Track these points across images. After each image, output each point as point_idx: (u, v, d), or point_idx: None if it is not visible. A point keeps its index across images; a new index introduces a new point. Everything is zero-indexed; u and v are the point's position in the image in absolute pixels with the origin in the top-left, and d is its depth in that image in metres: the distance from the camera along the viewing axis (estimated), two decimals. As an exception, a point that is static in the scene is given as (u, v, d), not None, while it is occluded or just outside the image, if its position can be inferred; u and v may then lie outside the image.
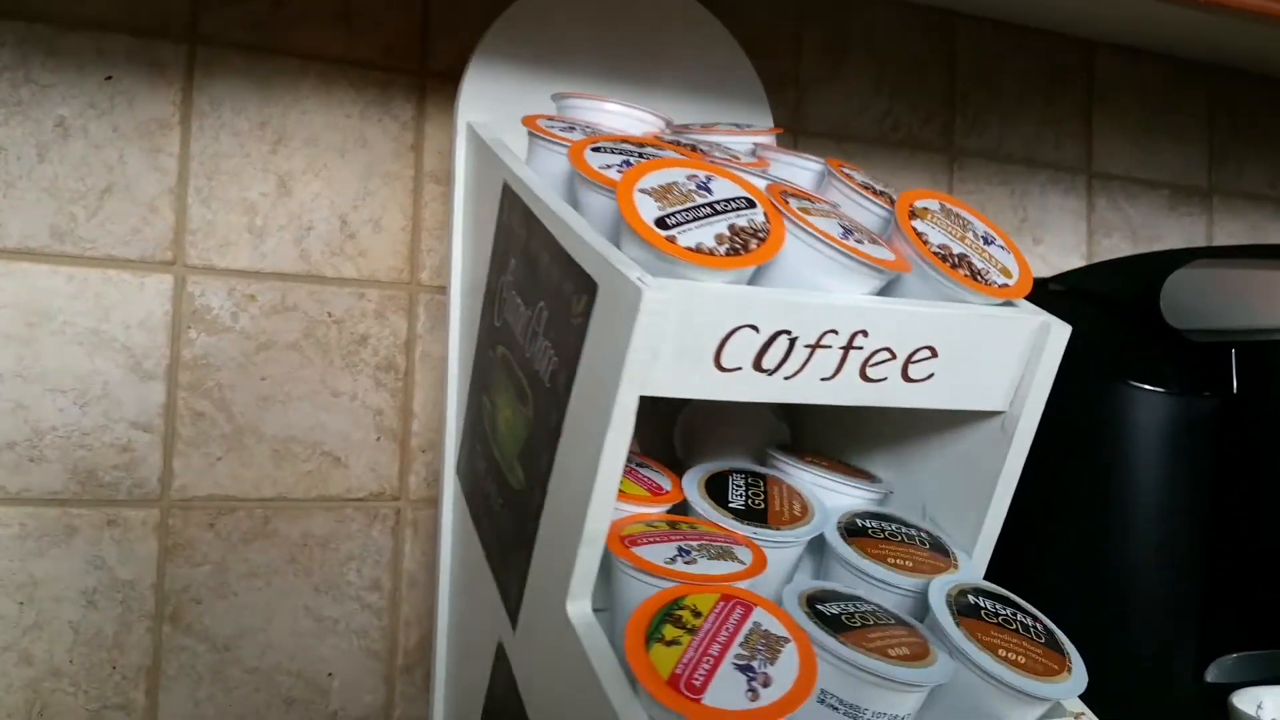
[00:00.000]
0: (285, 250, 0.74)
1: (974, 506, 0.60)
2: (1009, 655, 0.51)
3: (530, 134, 0.61)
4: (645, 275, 0.48)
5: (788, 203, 0.53)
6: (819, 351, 0.52)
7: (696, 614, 0.49)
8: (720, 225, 0.50)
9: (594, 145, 0.57)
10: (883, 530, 0.60)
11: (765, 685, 0.46)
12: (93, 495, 0.70)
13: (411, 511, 0.77)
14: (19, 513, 0.68)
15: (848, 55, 0.91)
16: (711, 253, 0.49)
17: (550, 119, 0.64)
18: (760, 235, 0.50)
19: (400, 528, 0.77)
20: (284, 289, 0.74)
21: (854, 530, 0.59)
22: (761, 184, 0.56)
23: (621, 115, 0.66)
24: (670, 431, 0.73)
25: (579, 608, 0.52)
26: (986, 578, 0.60)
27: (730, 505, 0.58)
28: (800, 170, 0.65)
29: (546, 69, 0.73)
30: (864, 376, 0.53)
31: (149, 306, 0.71)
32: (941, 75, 0.95)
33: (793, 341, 0.51)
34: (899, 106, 0.94)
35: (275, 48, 0.73)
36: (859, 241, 0.53)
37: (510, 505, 0.63)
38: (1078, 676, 0.52)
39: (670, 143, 0.62)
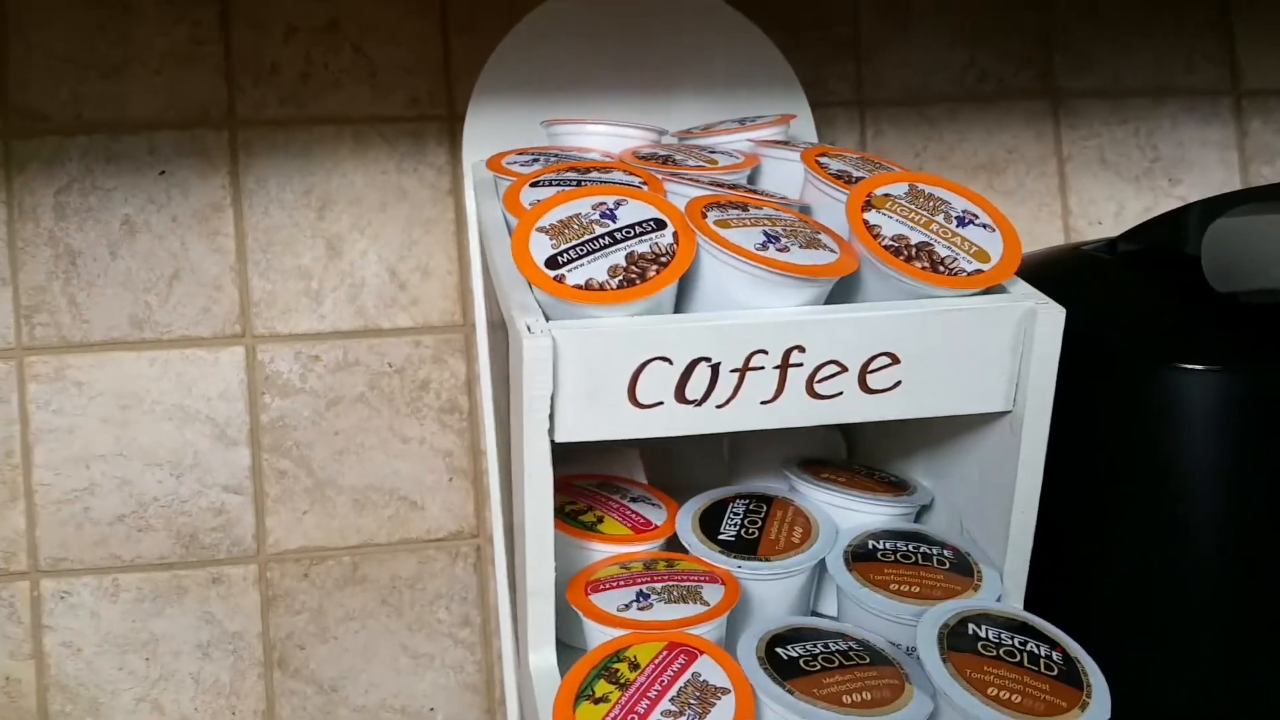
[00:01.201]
0: (341, 309, 0.77)
1: (999, 517, 0.54)
2: (1000, 694, 0.46)
3: (493, 174, 0.61)
4: (535, 320, 0.47)
5: (704, 217, 0.50)
6: (750, 374, 0.48)
7: (634, 666, 0.47)
8: (617, 255, 0.48)
9: (534, 180, 0.55)
10: (895, 552, 0.55)
11: (687, 738, 0.43)
12: (196, 556, 0.76)
13: (490, 547, 0.79)
14: (135, 578, 0.76)
15: (912, 9, 0.84)
16: (602, 287, 0.47)
17: (534, 152, 0.63)
18: (663, 260, 0.48)
19: (482, 564, 0.79)
20: (345, 346, 0.77)
21: (861, 554, 0.55)
22: (699, 193, 0.53)
23: (605, 135, 0.64)
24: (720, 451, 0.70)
25: (540, 657, 0.51)
26: (1030, 597, 0.54)
27: (719, 537, 0.56)
28: (794, 164, 0.61)
29: (553, 92, 0.72)
30: (813, 394, 0.49)
31: (225, 378, 0.76)
32: (1031, 13, 0.86)
33: (715, 368, 0.48)
34: (983, 56, 0.85)
35: (309, 118, 0.77)
36: (783, 250, 0.49)
37: (508, 551, 0.63)
38: (1091, 715, 0.46)
39: (646, 157, 0.60)
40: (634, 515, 0.58)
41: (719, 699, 0.45)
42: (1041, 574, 0.54)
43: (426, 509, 0.79)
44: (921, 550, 0.55)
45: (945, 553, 0.55)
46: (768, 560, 0.54)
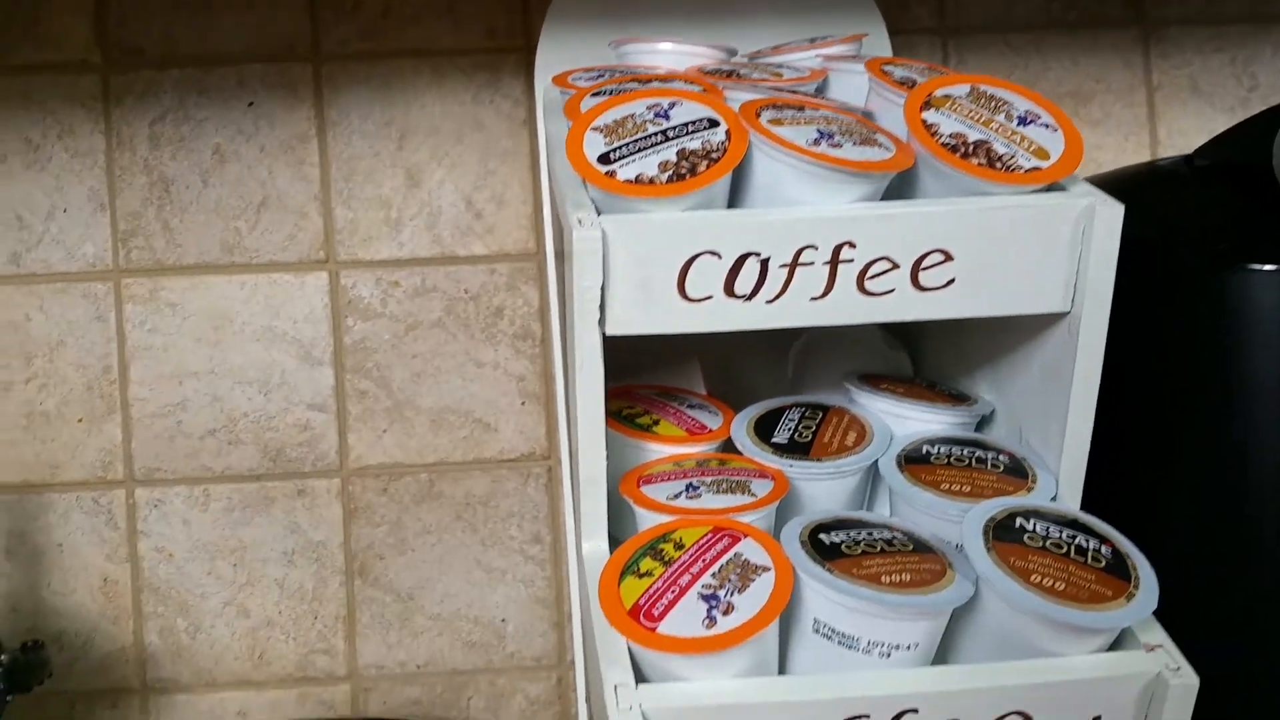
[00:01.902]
0: (420, 237, 0.80)
1: (1057, 423, 0.53)
2: (1043, 581, 0.46)
3: (559, 90, 0.62)
4: (586, 214, 0.48)
5: (758, 116, 0.50)
6: (799, 270, 0.49)
7: (679, 546, 0.48)
8: (669, 151, 0.49)
9: (595, 91, 0.57)
10: (949, 455, 0.55)
11: (726, 613, 0.45)
12: (283, 470, 0.80)
13: (560, 469, 0.81)
14: (226, 489, 0.80)
15: (993, -63, 0.83)
16: (653, 181, 0.48)
17: (601, 69, 0.65)
18: (714, 156, 0.49)
19: (553, 484, 0.81)
20: (423, 273, 0.80)
21: (915, 457, 0.55)
22: (755, 97, 0.53)
23: (672, 54, 0.65)
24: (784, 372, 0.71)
25: (592, 545, 0.53)
26: (1085, 507, 0.54)
27: (773, 440, 0.56)
28: (861, 77, 0.61)
29: (625, 17, 0.73)
30: (863, 290, 0.50)
31: (311, 302, 0.80)
32: (1117, -61, 0.84)
33: (764, 263, 0.49)
34: (1067, -16, 0.84)
35: (390, 51, 0.79)
36: (835, 146, 0.49)
37: (572, 469, 0.64)
38: (1137, 605, 0.46)
39: (711, 73, 0.61)
40: (690, 419, 0.59)
41: (759, 575, 0.46)
42: (1099, 484, 0.54)
43: (500, 431, 0.81)
44: (976, 454, 0.55)
45: (1001, 457, 0.55)
46: (819, 461, 0.55)
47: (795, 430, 0.57)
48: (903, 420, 0.58)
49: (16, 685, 0.68)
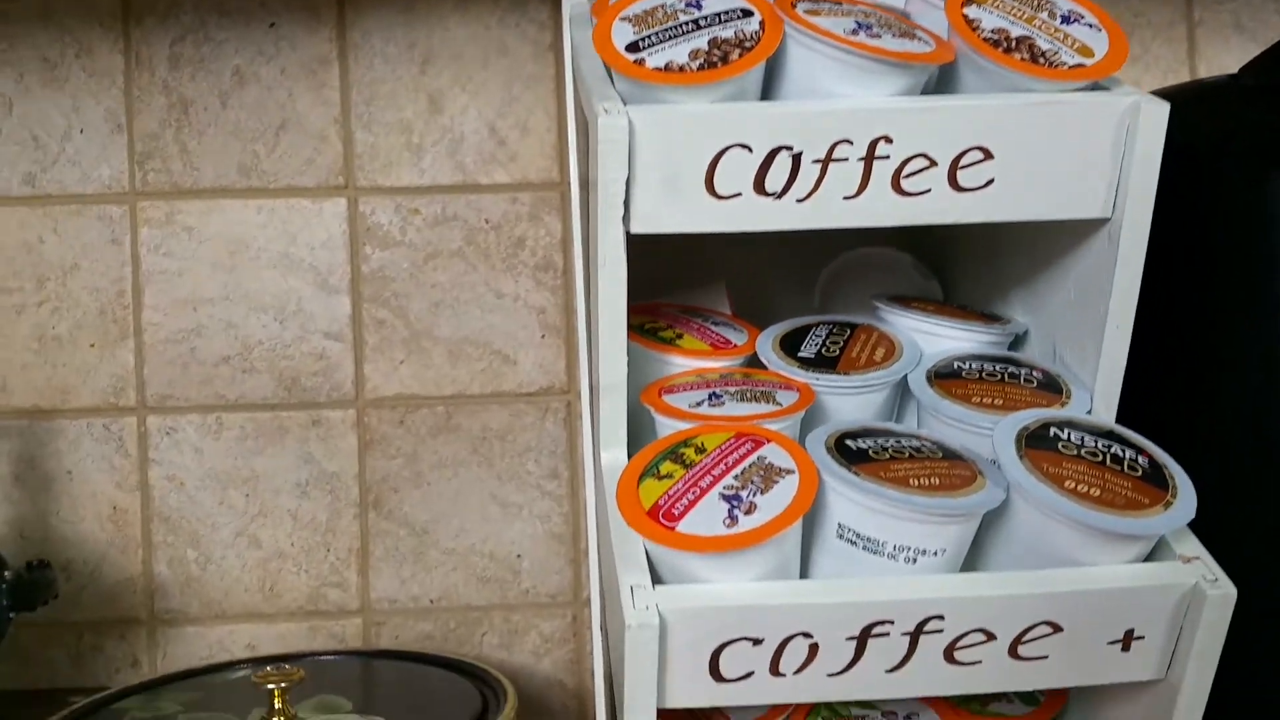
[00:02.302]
0: (441, 163, 0.78)
1: (1093, 337, 0.51)
2: (1078, 487, 0.44)
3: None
4: (612, 103, 0.46)
5: (794, 6, 0.48)
6: (833, 166, 0.47)
7: (700, 450, 0.47)
8: (700, 39, 0.47)
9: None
10: (981, 370, 0.53)
11: (748, 513, 0.43)
12: (298, 399, 0.79)
13: (579, 404, 0.79)
14: (239, 417, 0.79)
15: None
16: (683, 69, 0.46)
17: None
18: (747, 45, 0.47)
19: (571, 419, 0.80)
20: (443, 201, 0.79)
21: (945, 373, 0.53)
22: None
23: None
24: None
25: (611, 456, 0.51)
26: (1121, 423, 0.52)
27: (799, 355, 0.55)
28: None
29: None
30: (899, 189, 0.48)
31: (329, 228, 0.78)
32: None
33: (796, 158, 0.47)
34: (1107, -82, 0.81)
35: (413, -27, 0.78)
36: (874, 36, 0.47)
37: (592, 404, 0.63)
38: (1174, 513, 0.44)
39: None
40: (714, 334, 0.57)
41: (782, 478, 0.44)
42: (1135, 400, 0.52)
43: (519, 364, 0.80)
44: (1009, 370, 0.53)
45: (1034, 373, 0.53)
46: (846, 375, 0.53)
47: (822, 345, 0.55)
48: (933, 338, 0.56)
49: (21, 603, 0.67)
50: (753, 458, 0.46)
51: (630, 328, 0.51)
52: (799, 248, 0.68)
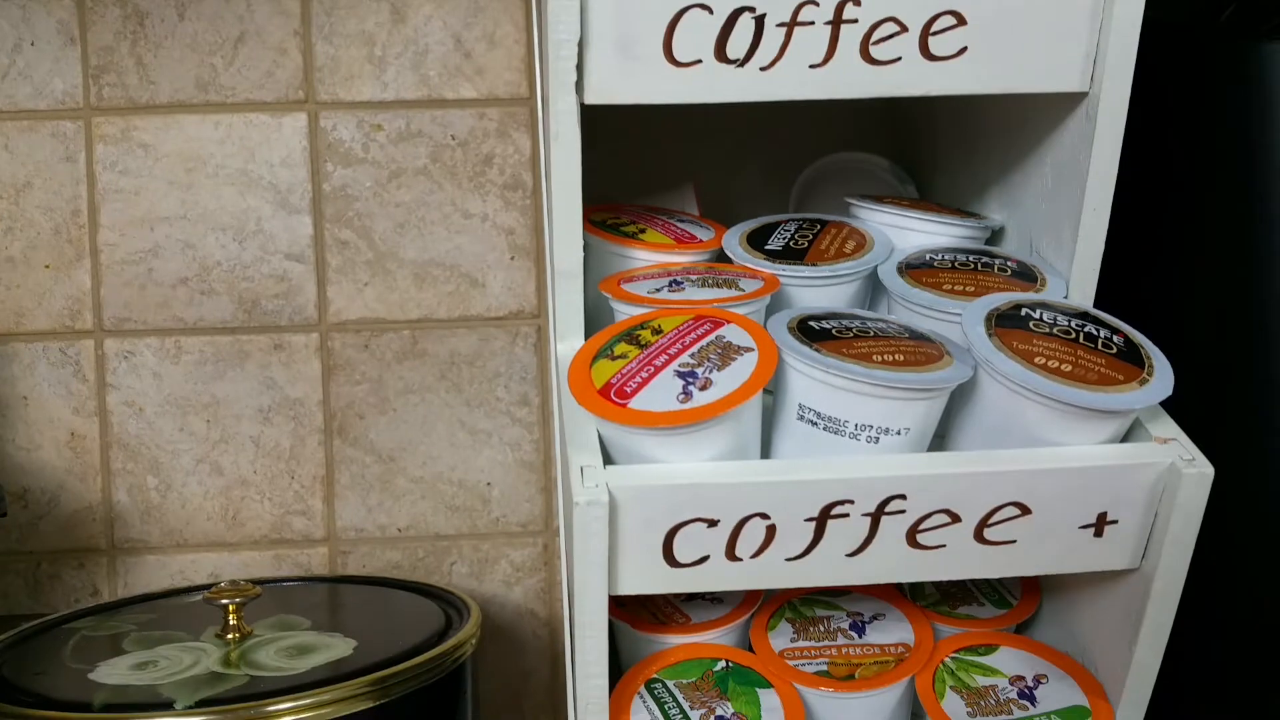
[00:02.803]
0: (405, 77, 0.76)
1: (1069, 221, 0.49)
2: (1048, 363, 0.42)
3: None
4: (561, -38, 0.44)
5: None
6: (799, 30, 0.45)
7: (657, 332, 0.45)
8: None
9: None
10: (954, 261, 0.51)
11: (703, 389, 0.41)
12: (258, 322, 0.77)
13: (550, 328, 0.77)
14: (197, 341, 0.77)
15: None
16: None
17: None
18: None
19: (542, 344, 0.78)
20: (408, 116, 0.76)
21: (917, 264, 0.51)
22: None
23: None
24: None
25: (567, 347, 0.49)
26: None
27: (766, 247, 0.53)
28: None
29: None
30: (868, 57, 0.46)
31: (289, 144, 0.76)
32: None
33: (760, 20, 0.45)
34: None
35: (375, -121, 0.75)
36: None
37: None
38: (1150, 390, 0.42)
39: None
40: (679, 230, 0.55)
41: (741, 355, 0.42)
42: (1113, 292, 0.50)
43: (487, 287, 0.78)
44: (982, 260, 0.51)
45: (1009, 263, 0.51)
46: (814, 265, 0.51)
47: (791, 239, 0.53)
48: (907, 233, 0.54)
49: (-31, 520, 0.65)
50: (711, 337, 0.44)
51: (590, 223, 0.48)
52: (772, 154, 0.66)
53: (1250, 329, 0.48)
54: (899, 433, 0.42)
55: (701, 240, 0.54)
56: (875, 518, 0.41)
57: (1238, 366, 0.49)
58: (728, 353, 0.42)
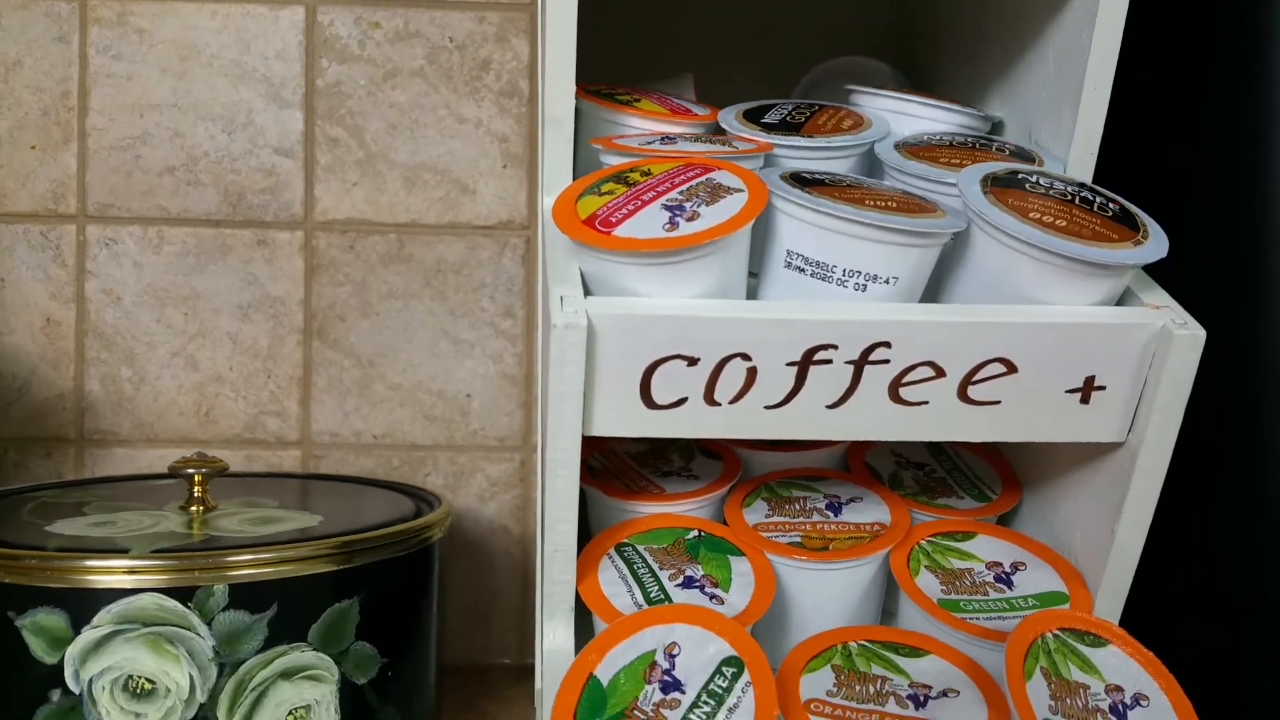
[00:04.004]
0: (405, -24, 0.75)
1: (1069, 102, 0.49)
2: (1043, 218, 0.41)
3: None
4: None
5: None
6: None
7: (646, 174, 0.44)
8: None
9: None
10: (951, 142, 0.50)
11: (690, 220, 0.40)
12: (243, 216, 0.76)
13: (540, 241, 0.76)
14: (180, 232, 0.75)
15: None
16: None
17: None
18: None
19: (530, 257, 0.77)
20: (406, 15, 0.75)
21: (914, 143, 0.50)
22: None
23: None
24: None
25: (552, 199, 0.48)
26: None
27: (763, 121, 0.52)
28: None
29: None
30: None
31: (284, 37, 0.75)
32: None
33: None
34: None
35: None
36: None
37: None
38: (1145, 249, 0.41)
39: None
40: (675, 104, 0.54)
41: (730, 194, 0.41)
42: (1111, 168, 0.49)
43: (478, 194, 0.76)
44: (981, 141, 0.50)
45: (1007, 146, 0.50)
46: (810, 137, 0.50)
47: (788, 115, 0.52)
48: (906, 119, 0.54)
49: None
50: (701, 179, 0.43)
51: (585, 91, 0.48)
52: (772, 60, 0.65)
53: (1251, 224, 0.47)
54: (888, 281, 0.41)
55: (698, 115, 0.53)
56: (858, 366, 0.40)
57: (1236, 264, 0.49)
58: (717, 192, 0.41)
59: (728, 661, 0.37)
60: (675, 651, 0.38)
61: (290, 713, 0.48)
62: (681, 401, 0.41)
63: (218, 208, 0.75)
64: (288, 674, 0.48)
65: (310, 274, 0.76)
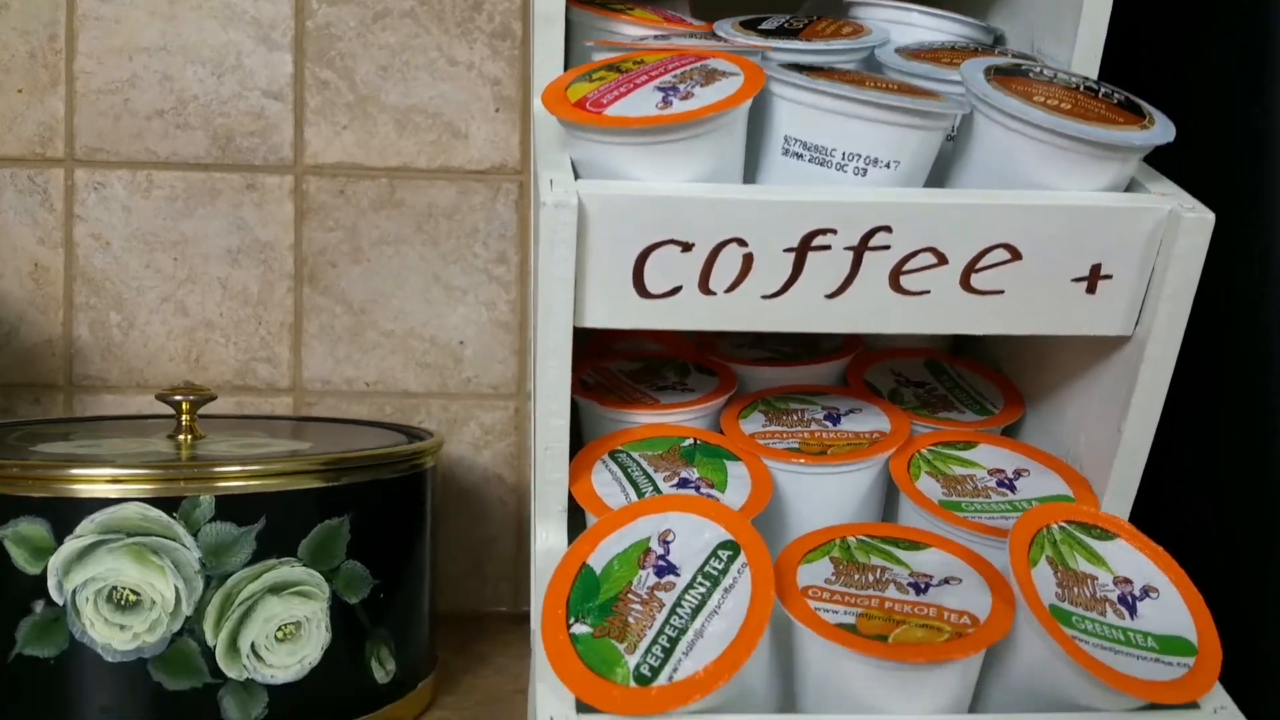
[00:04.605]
0: (396, -83, 0.74)
1: (1070, 14, 0.48)
2: (1048, 101, 0.40)
3: None
4: None
5: None
6: None
7: (639, 63, 0.42)
8: None
9: None
10: (954, 46, 0.49)
11: (684, 99, 0.39)
12: (232, 160, 0.75)
13: (533, 186, 0.75)
14: (169, 175, 0.74)
15: None
16: None
17: None
18: None
19: (524, 202, 0.76)
20: (398, -44, 0.74)
21: (913, 49, 0.49)
22: None
23: None
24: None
25: (541, 101, 0.47)
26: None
27: (760, 28, 0.51)
28: None
29: None
30: None
31: (275, -21, 0.74)
32: None
33: None
34: None
35: None
36: None
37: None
38: (1152, 132, 0.40)
39: None
40: (670, 14, 0.53)
41: (725, 78, 0.40)
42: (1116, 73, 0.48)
43: (470, 138, 0.76)
44: (983, 47, 0.49)
45: (1008, 52, 0.49)
46: (808, 41, 0.49)
47: (785, 22, 0.51)
48: (908, 29, 0.53)
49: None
50: (696, 65, 0.42)
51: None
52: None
53: (1260, 127, 0.46)
54: (888, 165, 0.40)
55: (692, 24, 0.52)
56: (858, 253, 0.39)
57: (1242, 168, 0.48)
58: (712, 76, 0.41)
59: (724, 545, 0.36)
60: (670, 538, 0.37)
61: (280, 628, 0.47)
62: (676, 290, 0.40)
63: (207, 151, 0.74)
64: (276, 589, 0.47)
65: (300, 219, 0.75)
